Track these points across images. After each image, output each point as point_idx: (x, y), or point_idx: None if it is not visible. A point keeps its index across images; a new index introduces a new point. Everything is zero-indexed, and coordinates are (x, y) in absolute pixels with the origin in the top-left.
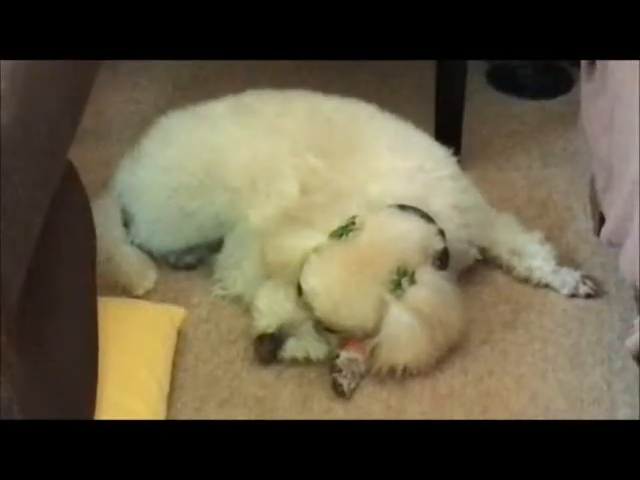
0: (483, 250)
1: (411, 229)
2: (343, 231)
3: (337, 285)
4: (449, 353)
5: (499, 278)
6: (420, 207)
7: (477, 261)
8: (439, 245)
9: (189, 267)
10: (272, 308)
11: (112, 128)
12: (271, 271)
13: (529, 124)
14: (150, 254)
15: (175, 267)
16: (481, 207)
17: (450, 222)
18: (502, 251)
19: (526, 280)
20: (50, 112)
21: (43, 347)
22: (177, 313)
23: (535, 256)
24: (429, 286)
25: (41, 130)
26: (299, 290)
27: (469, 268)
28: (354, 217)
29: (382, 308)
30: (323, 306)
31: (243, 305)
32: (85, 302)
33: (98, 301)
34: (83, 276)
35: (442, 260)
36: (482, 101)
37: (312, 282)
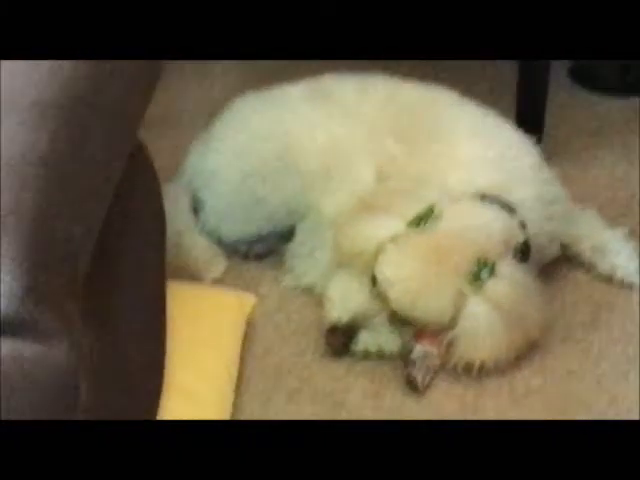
0: (564, 247)
1: (492, 219)
2: (421, 220)
3: (414, 276)
4: (528, 351)
5: (580, 277)
6: (502, 197)
7: (558, 259)
8: (521, 237)
9: (259, 257)
10: (345, 299)
11: (183, 115)
12: (345, 261)
13: (613, 122)
14: (219, 243)
15: (245, 257)
16: (564, 200)
17: (532, 214)
18: (584, 248)
19: (608, 279)
20: (125, 72)
21: (108, 321)
22: (247, 300)
23: (619, 254)
24: (510, 279)
25: (117, 87)
26: (374, 281)
27: (549, 265)
28: (433, 205)
29: (460, 300)
30: (399, 297)
31: (315, 296)
32: (153, 283)
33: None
34: (152, 258)
35: (523, 253)
36: (564, 99)
37: (388, 272)
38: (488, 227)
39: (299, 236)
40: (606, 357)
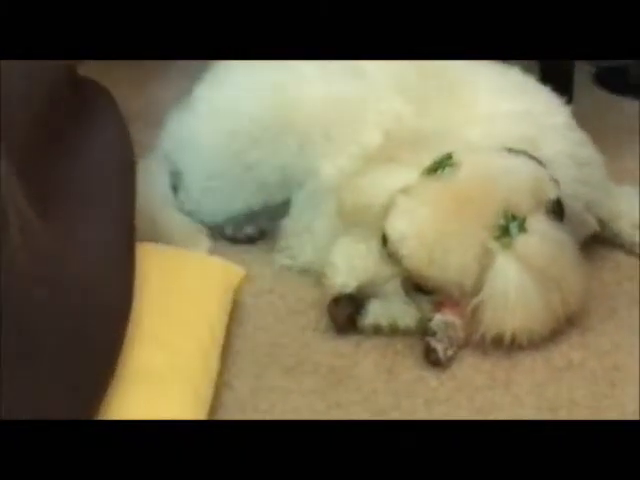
0: (603, 225)
1: (520, 167)
2: (438, 167)
3: (431, 228)
4: (565, 326)
5: (621, 257)
6: (530, 152)
7: (595, 240)
8: (553, 193)
9: (250, 240)
10: (351, 263)
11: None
12: (349, 220)
13: None
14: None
15: (233, 240)
16: (599, 165)
17: (565, 173)
18: (624, 225)
19: None
20: None
21: (71, 227)
22: (234, 271)
23: None
24: (543, 236)
25: None
26: (384, 240)
27: (587, 246)
28: (451, 153)
29: (486, 259)
30: (414, 254)
31: (313, 276)
32: (121, 215)
33: (143, 248)
34: (120, 184)
35: (557, 214)
36: (590, 102)
37: (400, 225)
38: (515, 176)
39: (295, 209)
40: None
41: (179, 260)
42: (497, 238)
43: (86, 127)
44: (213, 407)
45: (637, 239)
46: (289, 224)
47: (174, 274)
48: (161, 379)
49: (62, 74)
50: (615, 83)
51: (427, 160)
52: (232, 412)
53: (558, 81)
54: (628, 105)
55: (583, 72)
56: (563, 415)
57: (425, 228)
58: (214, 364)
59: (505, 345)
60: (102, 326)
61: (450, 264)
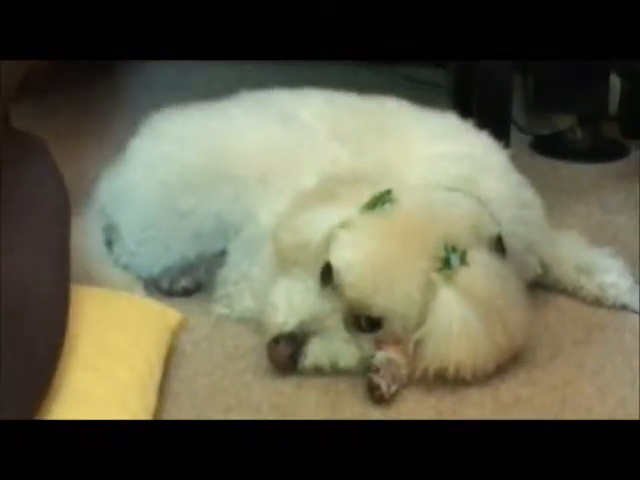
0: (544, 268)
1: (459, 202)
2: (377, 201)
3: (375, 257)
4: (512, 363)
5: (564, 301)
6: (469, 191)
7: (537, 286)
8: (493, 230)
9: (186, 293)
10: (290, 302)
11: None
12: (287, 258)
13: (584, 181)
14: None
15: (169, 293)
16: (539, 207)
17: (505, 212)
18: (567, 269)
19: (597, 301)
20: None
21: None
22: (172, 314)
23: (609, 272)
24: (485, 268)
25: None
26: (323, 276)
27: (529, 290)
28: (390, 190)
29: (428, 291)
30: (357, 282)
31: (252, 324)
32: (57, 248)
33: (80, 288)
34: (54, 224)
35: (498, 251)
36: (527, 165)
37: (345, 254)
38: (455, 209)
39: (232, 257)
40: (606, 368)
41: (117, 300)
42: (439, 270)
43: (21, 175)
44: None
45: (580, 282)
46: (226, 272)
47: (112, 311)
48: (97, 403)
49: None
50: (551, 149)
51: (365, 197)
52: None
53: (495, 120)
54: (563, 167)
55: (520, 139)
56: None
57: (369, 257)
58: (151, 397)
59: (450, 380)
60: (38, 332)
61: (394, 292)
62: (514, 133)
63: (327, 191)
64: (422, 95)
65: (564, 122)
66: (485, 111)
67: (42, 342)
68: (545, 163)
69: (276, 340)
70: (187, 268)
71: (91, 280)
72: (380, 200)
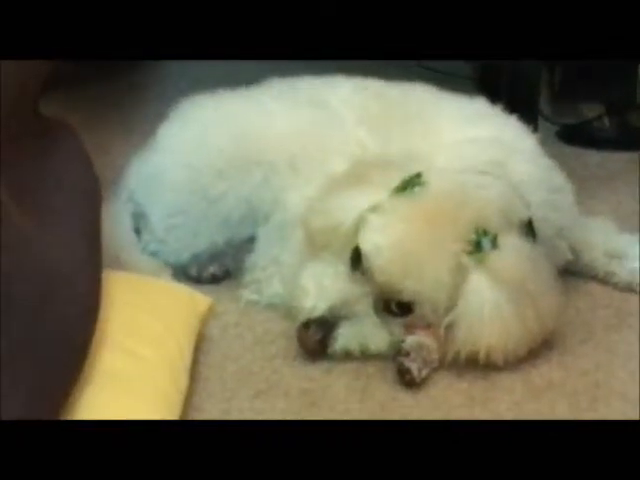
0: (575, 254)
1: (489, 185)
2: (408, 185)
3: (405, 240)
4: (543, 348)
5: (594, 287)
6: (499, 175)
7: (567, 272)
8: (523, 214)
9: (214, 280)
10: (320, 286)
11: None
12: (317, 243)
13: (612, 170)
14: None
15: (197, 280)
16: (570, 192)
17: (535, 196)
18: (598, 254)
19: (629, 287)
20: None
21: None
22: (201, 299)
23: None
24: (516, 252)
25: None
26: (353, 261)
27: (559, 276)
28: (420, 173)
29: (459, 274)
30: (389, 266)
31: (281, 309)
32: (88, 229)
33: (111, 273)
34: (85, 207)
35: (529, 235)
36: (554, 155)
37: (374, 238)
38: (485, 192)
39: (261, 243)
40: (637, 354)
41: (147, 285)
42: (470, 253)
43: (50, 155)
44: None
45: (611, 268)
46: (255, 258)
47: (142, 295)
48: (128, 382)
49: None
50: (578, 138)
51: (395, 180)
52: None
53: (523, 111)
54: (591, 156)
55: (546, 128)
56: None
57: (399, 240)
58: (182, 378)
59: (481, 364)
60: (69, 321)
61: (424, 276)
62: (540, 122)
63: (357, 175)
64: (447, 87)
65: (591, 111)
66: (513, 102)
67: (74, 321)
68: (572, 152)
69: (306, 325)
70: (216, 255)
71: (120, 266)
72: (410, 183)
